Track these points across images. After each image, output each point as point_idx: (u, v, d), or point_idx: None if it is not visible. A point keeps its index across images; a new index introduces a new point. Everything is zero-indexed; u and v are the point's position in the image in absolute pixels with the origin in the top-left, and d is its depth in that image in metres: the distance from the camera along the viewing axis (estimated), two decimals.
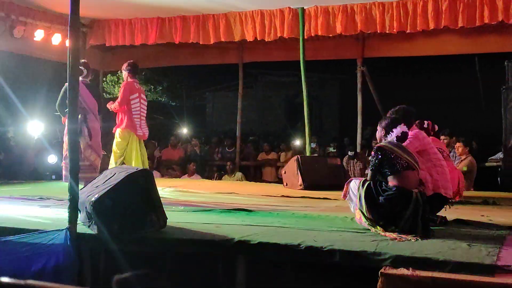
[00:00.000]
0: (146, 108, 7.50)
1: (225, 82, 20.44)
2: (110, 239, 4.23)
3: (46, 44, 9.97)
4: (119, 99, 7.28)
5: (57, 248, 4.17)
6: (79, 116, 6.94)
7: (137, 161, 7.21)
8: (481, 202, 7.07)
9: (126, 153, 7.28)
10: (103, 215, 4.28)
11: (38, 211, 5.61)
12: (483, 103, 16.47)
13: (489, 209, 6.45)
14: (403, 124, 4.83)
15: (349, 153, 11.05)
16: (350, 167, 10.90)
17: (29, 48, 10.07)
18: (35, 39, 9.73)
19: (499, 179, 9.86)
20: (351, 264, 3.79)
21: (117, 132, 7.33)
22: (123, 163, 7.15)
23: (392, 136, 4.74)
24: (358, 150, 11.30)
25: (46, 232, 4.30)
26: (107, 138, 8.38)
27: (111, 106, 7.36)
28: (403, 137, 4.77)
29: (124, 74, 7.45)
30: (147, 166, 7.44)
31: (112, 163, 7.22)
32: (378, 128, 4.95)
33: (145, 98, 7.55)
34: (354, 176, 10.47)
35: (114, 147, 7.34)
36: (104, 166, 7.27)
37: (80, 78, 7.20)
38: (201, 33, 10.03)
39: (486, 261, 3.53)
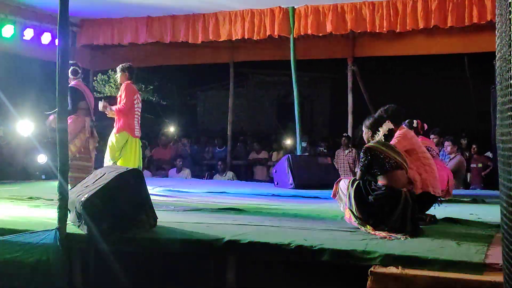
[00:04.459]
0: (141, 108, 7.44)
1: (216, 81, 20.42)
2: (100, 239, 4.21)
3: (36, 43, 9.92)
4: (123, 102, 7.07)
5: (46, 248, 4.15)
6: (89, 119, 7.01)
7: (135, 162, 7.13)
8: (470, 201, 7.12)
9: (125, 154, 7.18)
10: (93, 214, 4.26)
11: (27, 211, 5.59)
12: (473, 102, 16.56)
13: (478, 207, 6.50)
14: (388, 121, 4.84)
15: (344, 134, 11.00)
16: (339, 159, 10.80)
17: (19, 47, 10.01)
18: (24, 38, 9.68)
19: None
20: (341, 263, 3.79)
21: (116, 133, 7.17)
22: (115, 163, 7.07)
23: (379, 135, 4.74)
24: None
25: (35, 232, 4.28)
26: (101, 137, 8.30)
27: (112, 109, 7.14)
28: (390, 134, 4.78)
29: (122, 75, 7.28)
30: (141, 165, 7.42)
31: (107, 158, 7.12)
32: (364, 129, 4.93)
33: (140, 99, 7.49)
34: (343, 170, 10.48)
35: (113, 143, 7.13)
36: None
37: (80, 81, 7.15)
38: (191, 32, 10.04)
39: (475, 259, 3.55)
